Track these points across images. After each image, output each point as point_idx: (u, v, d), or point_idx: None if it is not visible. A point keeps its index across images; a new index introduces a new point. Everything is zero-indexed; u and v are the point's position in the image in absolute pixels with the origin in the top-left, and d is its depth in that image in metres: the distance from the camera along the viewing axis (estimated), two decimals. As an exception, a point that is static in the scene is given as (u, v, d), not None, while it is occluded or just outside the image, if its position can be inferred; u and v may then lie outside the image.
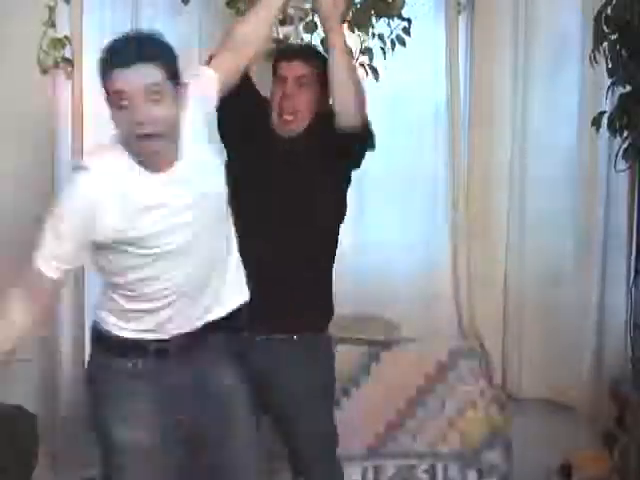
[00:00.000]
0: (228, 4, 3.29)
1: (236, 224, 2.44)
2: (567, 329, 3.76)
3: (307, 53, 2.65)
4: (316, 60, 2.56)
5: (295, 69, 2.53)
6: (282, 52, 2.69)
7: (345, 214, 2.61)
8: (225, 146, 2.59)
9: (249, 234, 2.35)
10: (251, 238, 2.32)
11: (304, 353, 2.50)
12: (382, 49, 3.33)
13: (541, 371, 3.80)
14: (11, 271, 3.29)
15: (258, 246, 2.35)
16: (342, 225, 2.61)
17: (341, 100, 2.42)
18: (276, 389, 2.50)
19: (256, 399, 2.42)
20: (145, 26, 3.48)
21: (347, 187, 2.60)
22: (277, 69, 2.58)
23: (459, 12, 3.78)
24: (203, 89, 2.16)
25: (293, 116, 2.51)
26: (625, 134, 3.17)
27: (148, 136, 1.93)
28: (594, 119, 3.30)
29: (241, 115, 2.52)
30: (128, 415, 2.11)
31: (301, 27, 3.29)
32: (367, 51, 3.35)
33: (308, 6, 3.23)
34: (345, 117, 2.41)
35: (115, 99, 1.95)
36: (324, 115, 2.50)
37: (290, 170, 2.48)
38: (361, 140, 2.49)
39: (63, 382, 3.45)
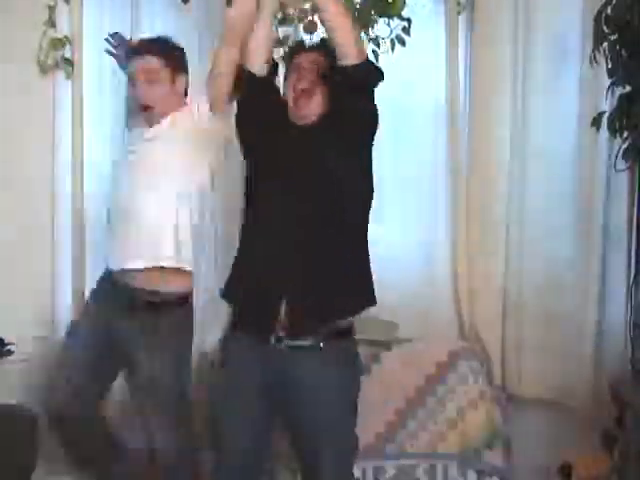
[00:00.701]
0: (228, 3, 3.29)
1: (254, 215, 2.46)
2: (567, 329, 3.76)
3: (325, 47, 2.56)
4: (333, 54, 2.48)
5: (310, 56, 2.53)
6: (299, 45, 2.68)
7: (371, 195, 2.50)
8: (244, 141, 2.57)
9: (267, 227, 2.39)
10: (270, 234, 2.37)
11: (330, 367, 2.40)
12: (374, 52, 3.33)
13: (541, 371, 3.80)
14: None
15: (280, 239, 2.35)
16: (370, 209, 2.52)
17: (340, 34, 2.38)
18: (299, 401, 2.41)
19: (272, 402, 2.42)
20: (145, 26, 3.49)
21: (369, 165, 2.50)
22: (292, 60, 2.56)
23: (459, 12, 3.78)
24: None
25: (307, 96, 2.47)
26: (625, 134, 3.17)
27: None
28: (594, 119, 3.30)
29: (261, 111, 2.51)
30: None
31: (301, 27, 3.30)
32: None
33: (308, 6, 3.23)
34: (345, 50, 2.37)
35: None
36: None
37: (308, 157, 2.42)
38: (367, 72, 2.43)
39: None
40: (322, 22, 2.46)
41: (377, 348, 3.35)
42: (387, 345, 3.37)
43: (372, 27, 3.33)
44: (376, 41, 3.36)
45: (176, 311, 2.84)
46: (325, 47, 2.54)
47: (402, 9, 3.34)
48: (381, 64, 3.35)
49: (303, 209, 2.38)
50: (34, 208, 3.39)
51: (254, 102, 2.51)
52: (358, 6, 3.26)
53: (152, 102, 2.82)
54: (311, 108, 2.48)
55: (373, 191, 2.51)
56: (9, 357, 3.20)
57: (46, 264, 3.42)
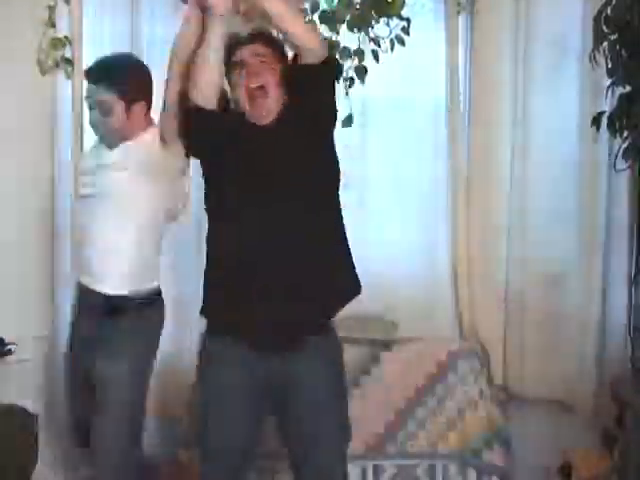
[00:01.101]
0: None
1: (227, 223, 2.42)
2: (568, 329, 3.76)
3: (263, 35, 2.49)
4: (273, 42, 2.47)
5: (252, 49, 2.42)
6: (236, 39, 2.48)
7: (338, 177, 2.49)
8: (203, 159, 2.51)
9: (246, 223, 2.36)
10: (246, 238, 2.34)
11: (316, 358, 2.42)
12: (374, 52, 3.33)
13: (542, 371, 3.80)
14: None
15: (258, 241, 2.33)
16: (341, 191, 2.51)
17: (294, 33, 2.34)
18: (293, 398, 2.43)
19: (264, 401, 2.44)
20: (145, 26, 3.49)
21: (333, 148, 2.49)
22: (232, 57, 2.43)
23: (459, 12, 3.78)
24: None
25: (263, 94, 2.38)
26: (625, 134, 3.17)
27: None
28: (594, 119, 3.30)
29: (214, 130, 2.44)
30: None
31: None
32: (359, 53, 3.36)
33: (307, 6, 3.24)
34: (308, 48, 2.33)
35: None
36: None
37: (276, 157, 2.38)
38: (327, 67, 2.40)
39: (63, 382, 3.45)
40: (276, 28, 2.40)
41: (377, 348, 3.35)
42: (387, 345, 3.38)
43: (372, 27, 3.33)
44: (377, 43, 3.36)
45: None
46: (263, 36, 2.47)
47: (401, 9, 3.34)
48: (381, 64, 3.38)
49: (279, 207, 2.34)
50: (34, 208, 3.39)
51: (205, 130, 2.43)
52: (358, 6, 3.26)
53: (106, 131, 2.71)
54: (269, 106, 2.40)
55: (339, 172, 2.49)
56: (9, 357, 3.21)
57: (46, 264, 3.42)
